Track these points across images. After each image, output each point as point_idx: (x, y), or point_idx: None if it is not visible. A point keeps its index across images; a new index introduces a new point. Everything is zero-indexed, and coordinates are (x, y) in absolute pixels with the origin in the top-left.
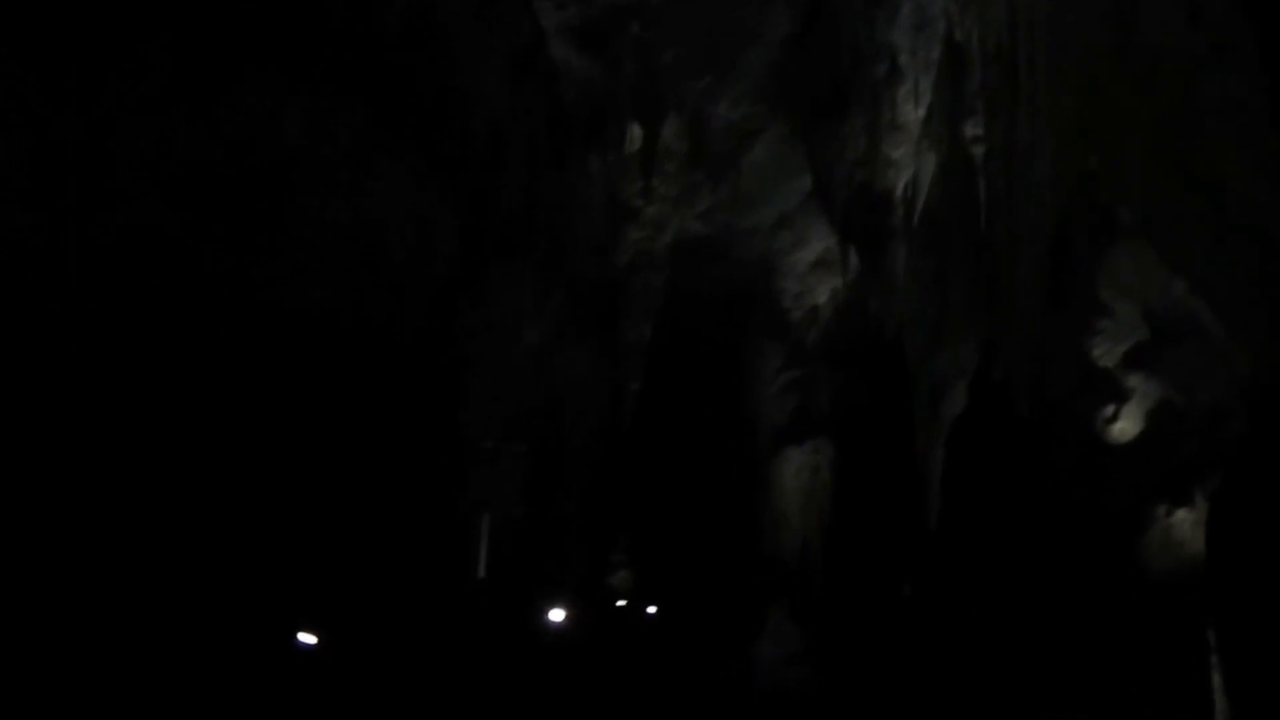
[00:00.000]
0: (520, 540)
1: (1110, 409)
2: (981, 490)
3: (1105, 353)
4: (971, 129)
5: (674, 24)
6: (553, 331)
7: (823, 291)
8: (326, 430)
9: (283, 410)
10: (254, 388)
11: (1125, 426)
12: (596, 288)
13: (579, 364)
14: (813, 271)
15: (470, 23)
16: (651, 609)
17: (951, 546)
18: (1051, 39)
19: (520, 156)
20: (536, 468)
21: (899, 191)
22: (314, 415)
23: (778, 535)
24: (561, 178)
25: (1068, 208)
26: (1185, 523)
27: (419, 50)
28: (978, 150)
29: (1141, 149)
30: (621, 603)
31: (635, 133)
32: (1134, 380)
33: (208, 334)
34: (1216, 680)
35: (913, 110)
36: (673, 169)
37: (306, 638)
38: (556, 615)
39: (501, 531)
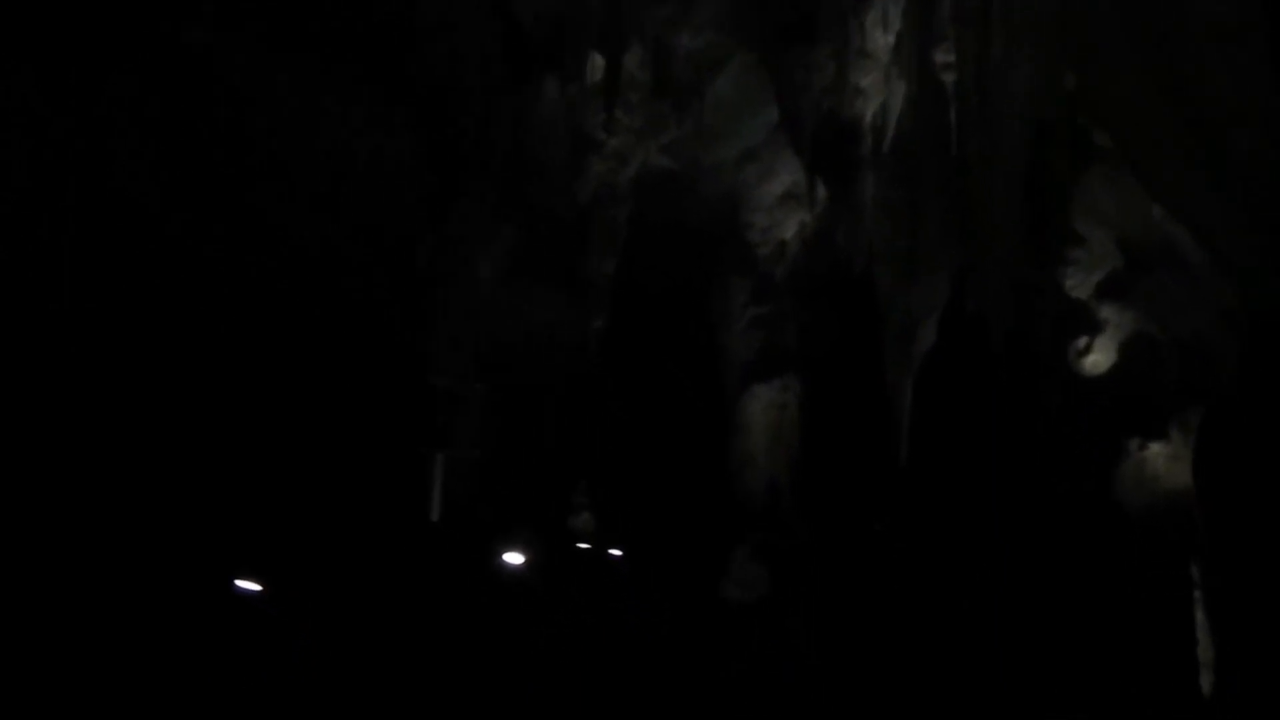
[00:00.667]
0: (479, 482)
1: (1083, 341)
2: (953, 426)
3: (1079, 283)
4: (942, 55)
5: None
6: (514, 267)
7: (790, 225)
8: (289, 370)
9: (244, 349)
10: (214, 327)
11: (1098, 359)
12: (559, 222)
13: (542, 301)
14: (780, 205)
15: None
16: (615, 552)
17: (922, 484)
18: None
19: (478, 84)
20: (497, 407)
21: (868, 120)
22: (276, 355)
23: (745, 475)
24: (520, 106)
25: (1042, 131)
26: (1160, 457)
27: None
28: (948, 77)
29: (1127, 68)
30: (583, 546)
31: (597, 62)
32: (1108, 311)
33: (167, 282)
34: (1200, 617)
35: (882, 36)
36: (636, 100)
37: (248, 585)
38: (514, 558)
39: (459, 473)
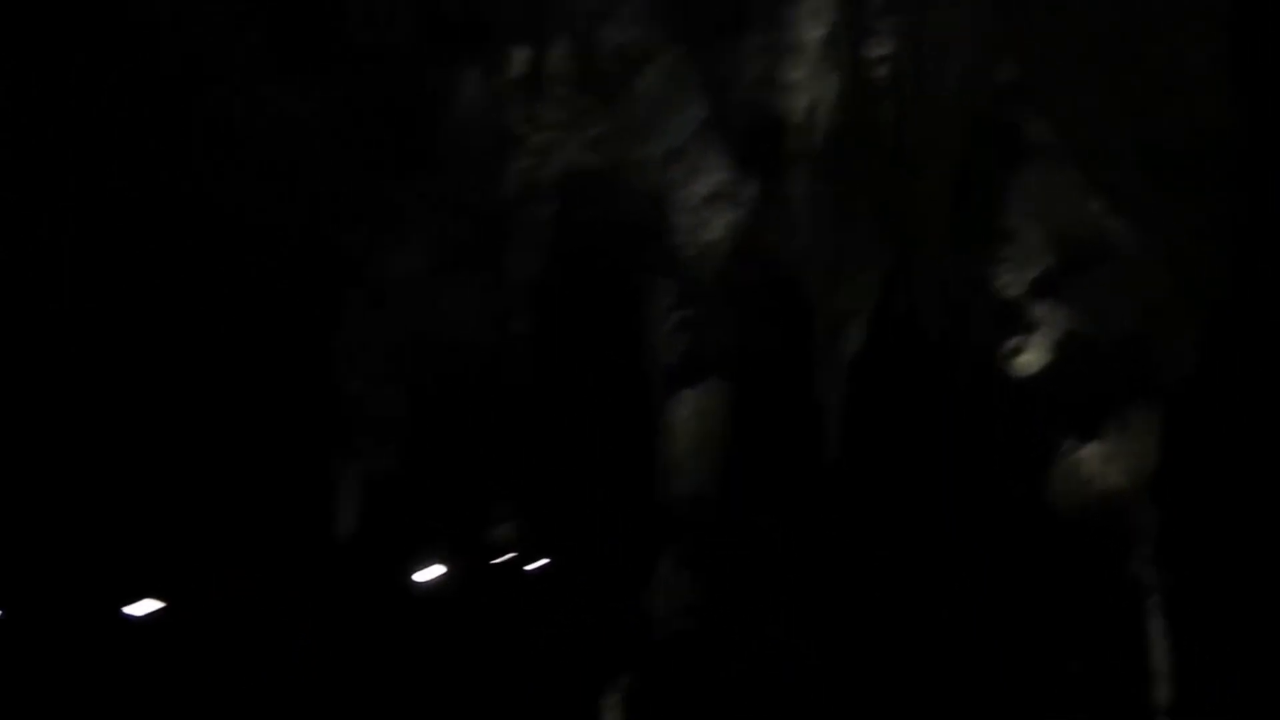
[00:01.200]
0: (393, 490)
1: (1015, 341)
2: (884, 428)
3: (1011, 282)
4: (875, 49)
5: None
6: (433, 264)
7: (718, 225)
8: (178, 369)
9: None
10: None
11: (1031, 359)
12: (480, 219)
13: (462, 300)
14: (707, 205)
15: None
16: (537, 564)
17: (853, 487)
18: None
19: (394, 68)
20: (411, 412)
21: (799, 116)
22: (161, 353)
23: (670, 480)
24: (439, 98)
25: (977, 126)
26: (1094, 458)
27: None
28: (881, 71)
29: (1068, 53)
30: (505, 558)
31: (521, 55)
32: (1040, 310)
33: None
34: (1156, 622)
35: (814, 29)
36: (560, 95)
37: (138, 609)
38: (429, 572)
39: (371, 483)
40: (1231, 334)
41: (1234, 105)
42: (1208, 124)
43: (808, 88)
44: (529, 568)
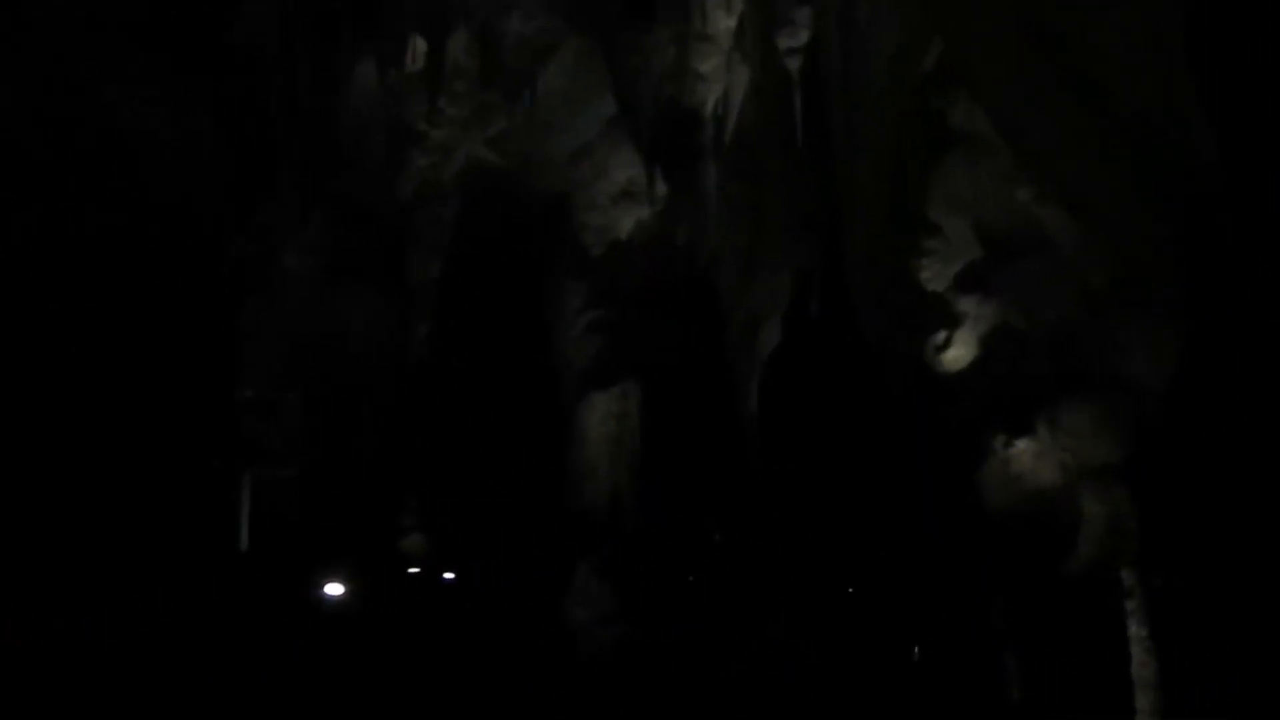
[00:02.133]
0: (293, 503)
1: (941, 335)
2: (801, 429)
3: (935, 275)
4: (786, 40)
5: None
6: (331, 266)
7: (627, 225)
8: (70, 374)
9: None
10: None
11: (958, 354)
12: (379, 219)
13: (363, 303)
14: (616, 204)
15: None
16: (448, 575)
17: (770, 489)
18: None
19: (284, 67)
20: (313, 419)
21: (709, 109)
22: (54, 358)
23: (585, 487)
24: (332, 92)
25: (899, 115)
26: (1025, 454)
27: None
28: (793, 63)
29: (1002, 27)
30: (414, 570)
31: (419, 47)
32: (966, 304)
33: None
34: (1136, 629)
35: (724, 19)
36: (462, 89)
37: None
38: (334, 589)
39: (271, 493)
40: (1180, 324)
41: (1184, 82)
42: (1154, 103)
43: (718, 80)
44: (439, 579)
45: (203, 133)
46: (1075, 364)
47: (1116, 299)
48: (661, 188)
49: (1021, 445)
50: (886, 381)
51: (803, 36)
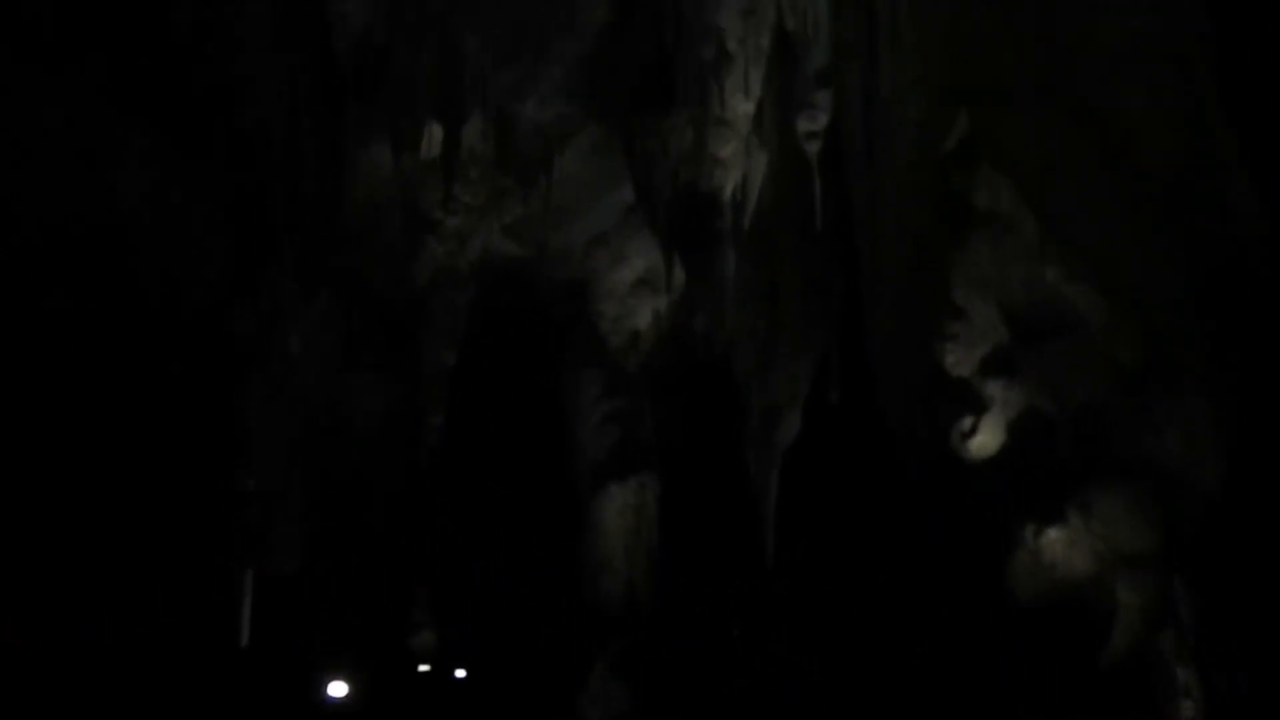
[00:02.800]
0: (297, 597)
1: (968, 422)
2: (821, 521)
3: (959, 360)
4: (806, 124)
5: (478, 7)
6: (344, 353)
7: (644, 314)
8: (66, 466)
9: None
10: None
11: (985, 440)
12: (393, 305)
13: (374, 392)
14: (633, 292)
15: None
16: (460, 673)
17: (790, 583)
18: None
19: (291, 149)
20: (319, 510)
21: (728, 194)
22: (56, 445)
23: (600, 580)
24: (348, 177)
25: (920, 196)
26: (1057, 543)
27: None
28: (812, 147)
29: (1028, 97)
30: (424, 668)
31: (435, 133)
32: (994, 388)
33: None
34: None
35: (742, 102)
36: (477, 175)
37: None
38: (338, 689)
39: (275, 587)
40: (1219, 402)
41: (1222, 142)
42: (1190, 167)
43: (737, 164)
44: (450, 677)
45: (207, 212)
46: (1107, 448)
47: (1149, 378)
48: (679, 275)
49: (1053, 534)
50: (909, 470)
51: (822, 120)
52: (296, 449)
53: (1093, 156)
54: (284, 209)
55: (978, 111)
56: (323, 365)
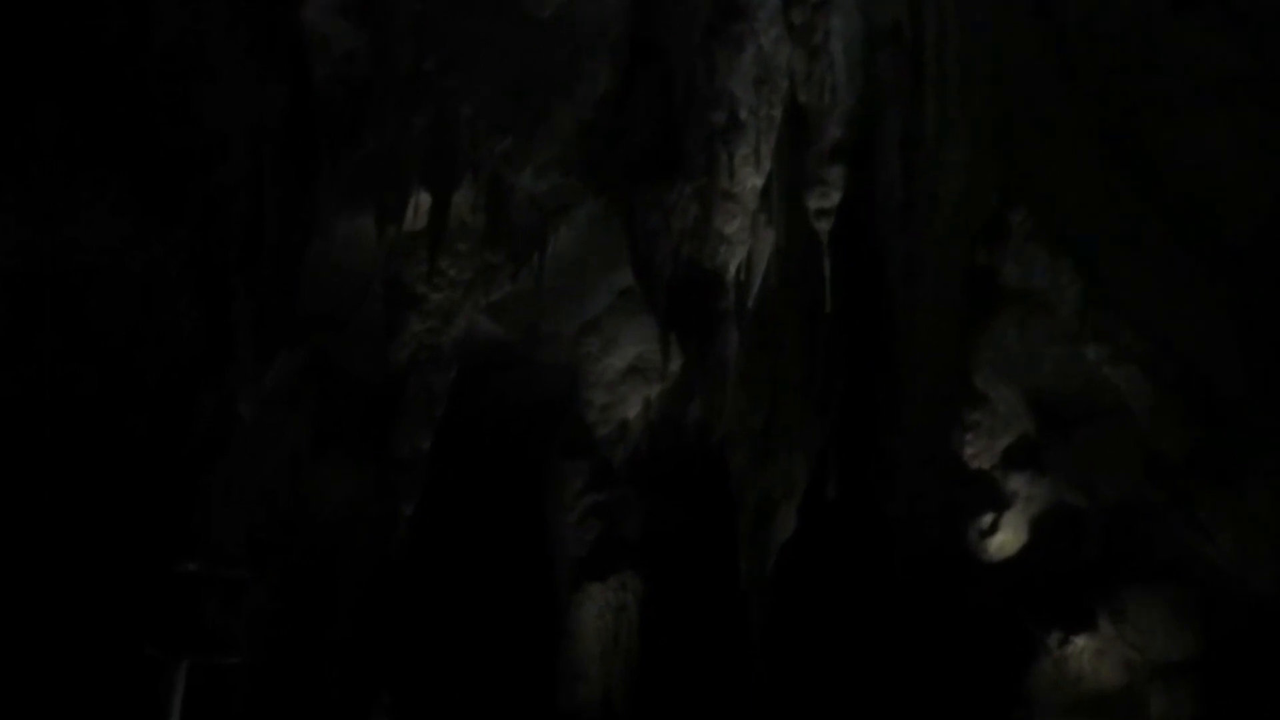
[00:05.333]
0: (246, 695)
1: (987, 519)
2: (816, 628)
3: (979, 451)
4: (817, 201)
5: (473, 71)
6: (309, 436)
7: (634, 403)
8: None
9: None
10: None
11: (1006, 539)
12: (366, 387)
13: (343, 477)
14: (624, 380)
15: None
16: None
17: (781, 696)
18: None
19: (272, 216)
20: (276, 603)
21: (731, 273)
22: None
23: (575, 690)
24: (315, 246)
25: (952, 272)
26: (1084, 652)
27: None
28: (823, 225)
29: (1076, 145)
30: None
31: (423, 202)
32: (1017, 482)
33: None
34: None
35: (752, 175)
36: (465, 249)
37: None
38: None
39: (223, 685)
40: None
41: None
42: (1271, 237)
43: (742, 242)
44: None
45: (175, 287)
46: (1145, 546)
47: (1197, 469)
48: (674, 363)
49: (1080, 642)
50: (913, 572)
51: (834, 197)
52: (258, 542)
53: (1156, 218)
54: (244, 276)
55: (1016, 181)
56: (289, 448)
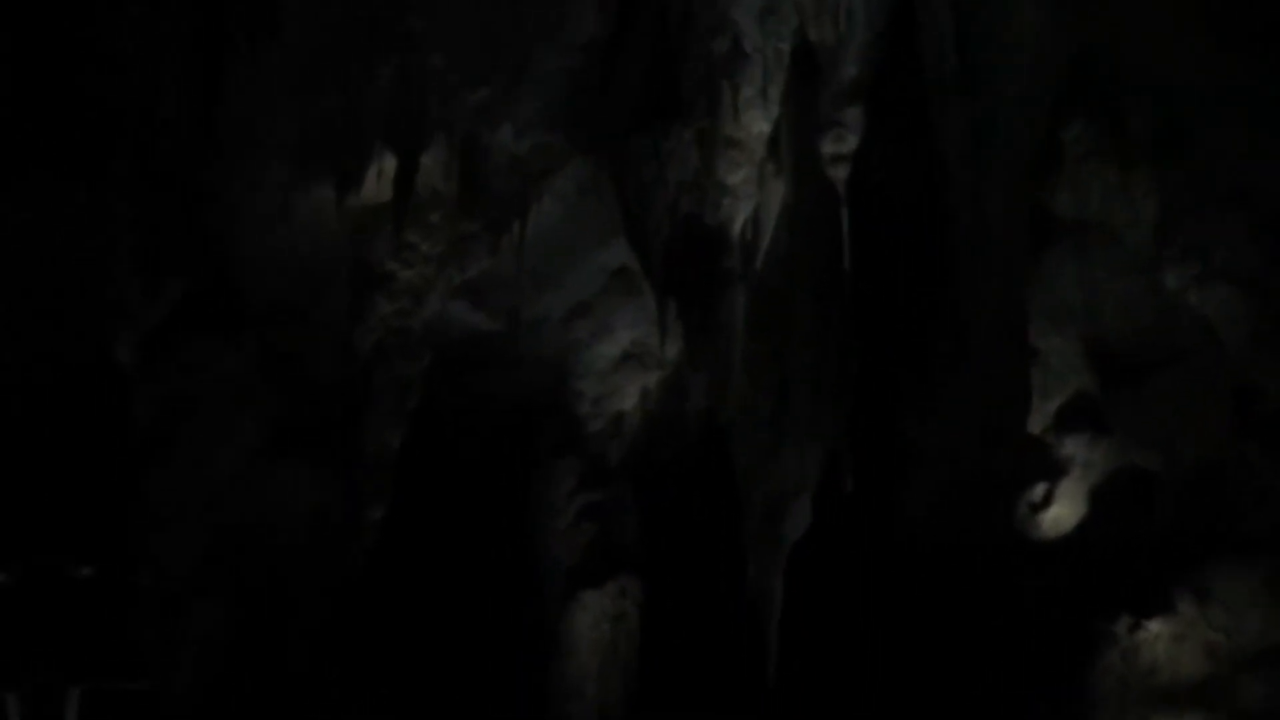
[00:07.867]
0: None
1: (1039, 491)
2: (833, 631)
3: (1029, 414)
4: (832, 145)
5: (443, 14)
6: (265, 437)
7: (630, 393)
8: None
9: None
10: None
11: (1062, 512)
12: (329, 378)
13: (302, 482)
14: (618, 369)
15: None
16: None
17: (798, 710)
18: None
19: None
20: (234, 621)
21: (736, 229)
22: None
23: (568, 709)
24: (272, 222)
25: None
26: (1159, 640)
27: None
28: (839, 172)
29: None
30: None
31: (387, 165)
32: (1073, 445)
33: None
34: None
35: (758, 120)
36: (436, 219)
37: None
38: None
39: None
40: None
41: None
42: None
43: (748, 195)
44: None
45: (104, 263)
46: (1232, 513)
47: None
48: (673, 348)
49: (1154, 628)
50: (939, 568)
51: (851, 141)
52: (215, 549)
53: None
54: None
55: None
56: (244, 456)
